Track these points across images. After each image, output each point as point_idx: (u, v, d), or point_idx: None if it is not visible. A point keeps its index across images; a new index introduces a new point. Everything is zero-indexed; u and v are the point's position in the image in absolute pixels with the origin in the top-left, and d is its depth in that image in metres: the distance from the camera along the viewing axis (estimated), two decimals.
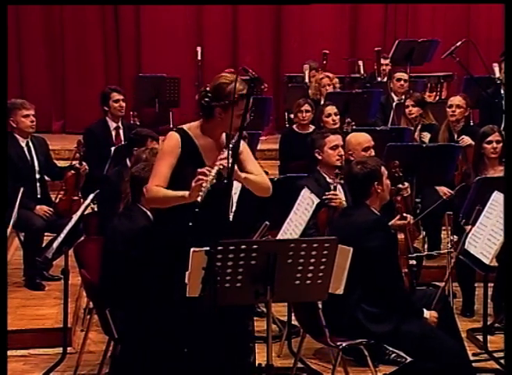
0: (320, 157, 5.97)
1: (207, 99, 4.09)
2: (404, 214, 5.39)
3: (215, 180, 3.89)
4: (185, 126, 4.22)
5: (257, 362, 4.71)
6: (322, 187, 5.80)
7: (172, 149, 4.12)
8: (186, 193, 3.93)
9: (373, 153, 5.94)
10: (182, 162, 4.10)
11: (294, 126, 8.12)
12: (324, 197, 5.41)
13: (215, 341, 4.04)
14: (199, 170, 3.91)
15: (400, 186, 5.63)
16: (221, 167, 3.91)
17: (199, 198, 3.83)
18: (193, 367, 4.07)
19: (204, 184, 3.84)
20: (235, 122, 4.02)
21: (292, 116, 8.54)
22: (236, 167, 3.96)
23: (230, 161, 3.89)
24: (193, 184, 3.89)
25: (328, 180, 5.88)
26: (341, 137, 6.11)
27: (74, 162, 6.73)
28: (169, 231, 4.11)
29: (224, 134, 4.14)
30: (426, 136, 7.47)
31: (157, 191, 4.07)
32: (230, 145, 3.97)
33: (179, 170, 4.09)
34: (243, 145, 4.18)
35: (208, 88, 4.12)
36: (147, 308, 4.17)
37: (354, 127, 7.45)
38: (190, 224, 4.03)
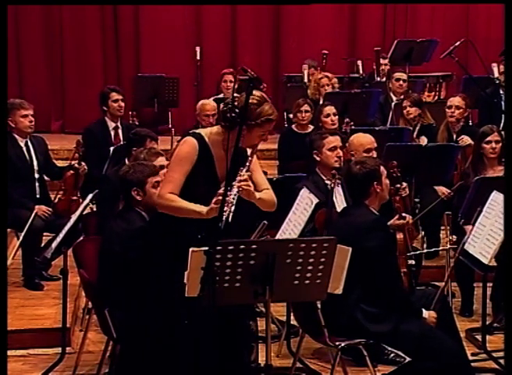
0: (318, 158, 5.97)
1: (233, 115, 4.05)
2: (403, 214, 5.39)
3: (235, 201, 3.87)
4: (203, 132, 4.17)
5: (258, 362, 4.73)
6: (320, 188, 5.80)
7: (189, 156, 4.08)
8: (204, 209, 3.93)
9: (375, 155, 5.91)
10: (194, 169, 4.08)
11: (293, 126, 8.12)
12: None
13: (215, 341, 4.04)
14: (220, 192, 3.88)
15: (398, 186, 5.63)
16: (240, 189, 3.90)
17: (222, 224, 3.77)
18: (192, 367, 4.07)
19: (225, 209, 3.80)
20: (255, 140, 4.07)
21: (291, 115, 8.54)
22: (252, 187, 3.96)
23: (229, 165, 3.88)
24: (213, 205, 3.87)
25: (327, 181, 5.88)
26: (340, 138, 6.11)
27: (73, 162, 6.73)
28: (166, 232, 4.11)
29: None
30: (423, 140, 7.42)
31: (172, 199, 4.04)
32: (247, 164, 3.98)
33: (189, 177, 4.07)
34: (255, 158, 4.16)
35: (236, 103, 4.07)
36: (146, 309, 4.17)
37: (353, 127, 7.45)
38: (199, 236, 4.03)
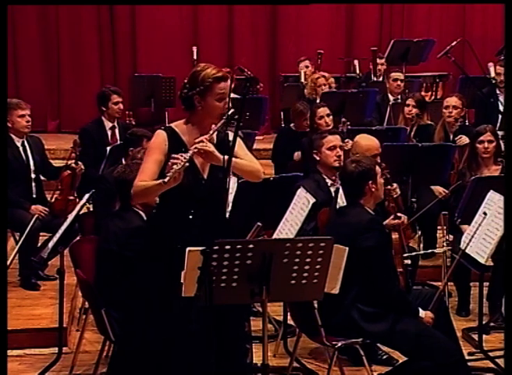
0: (318, 158, 5.98)
1: (185, 90, 4.11)
2: (398, 214, 5.39)
3: (187, 164, 3.87)
4: (172, 124, 4.21)
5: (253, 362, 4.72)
6: (321, 187, 5.80)
7: (157, 145, 4.10)
8: (165, 180, 3.91)
9: (379, 160, 5.86)
10: (169, 158, 4.06)
11: (292, 126, 8.09)
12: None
13: (211, 342, 4.03)
14: (173, 155, 3.90)
15: (389, 187, 5.62)
16: (195, 151, 3.91)
17: (166, 179, 3.83)
18: (188, 368, 4.06)
19: (174, 166, 3.84)
20: (216, 108, 4.04)
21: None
22: (212, 148, 3.93)
23: (226, 159, 3.88)
24: (166, 170, 3.90)
25: (327, 180, 5.89)
26: (340, 138, 6.10)
27: (70, 162, 6.73)
28: (164, 231, 4.11)
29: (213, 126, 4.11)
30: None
31: (138, 185, 4.06)
32: (211, 131, 3.97)
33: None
34: (238, 141, 4.11)
35: (185, 80, 4.14)
36: (142, 309, 4.14)
37: (349, 127, 7.44)
38: (190, 217, 4.04)
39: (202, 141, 3.93)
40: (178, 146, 4.09)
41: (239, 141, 4.13)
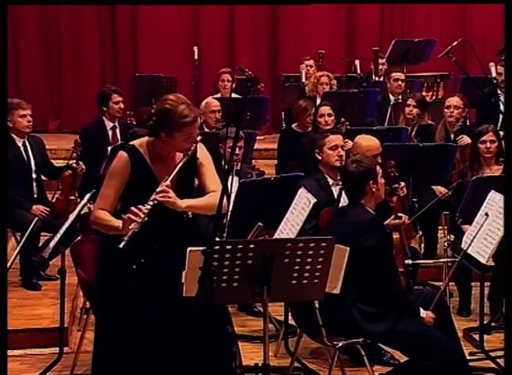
0: (320, 157, 5.98)
1: (151, 122, 4.01)
2: (399, 214, 5.39)
3: (146, 218, 3.85)
4: (137, 143, 4.12)
5: (253, 362, 4.72)
6: (323, 188, 5.80)
7: (119, 171, 4.04)
8: (121, 224, 3.90)
9: (380, 161, 5.87)
10: (134, 182, 4.04)
11: (294, 126, 8.10)
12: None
13: (196, 345, 4.00)
14: (131, 209, 3.86)
15: (396, 185, 5.62)
16: (155, 202, 3.88)
17: (122, 244, 3.81)
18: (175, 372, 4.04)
19: (131, 226, 3.82)
20: (183, 145, 4.00)
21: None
22: (173, 198, 3.90)
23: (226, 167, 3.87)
24: (124, 218, 3.86)
25: (329, 180, 5.89)
26: (342, 138, 6.10)
27: (71, 162, 6.73)
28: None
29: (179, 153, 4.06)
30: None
31: (97, 215, 4.03)
32: (173, 173, 3.94)
33: (131, 191, 4.04)
34: (207, 158, 4.12)
35: (153, 111, 4.03)
36: (127, 310, 4.10)
37: (348, 127, 7.45)
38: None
39: (164, 191, 3.89)
40: (141, 168, 4.04)
41: (209, 162, 4.08)
